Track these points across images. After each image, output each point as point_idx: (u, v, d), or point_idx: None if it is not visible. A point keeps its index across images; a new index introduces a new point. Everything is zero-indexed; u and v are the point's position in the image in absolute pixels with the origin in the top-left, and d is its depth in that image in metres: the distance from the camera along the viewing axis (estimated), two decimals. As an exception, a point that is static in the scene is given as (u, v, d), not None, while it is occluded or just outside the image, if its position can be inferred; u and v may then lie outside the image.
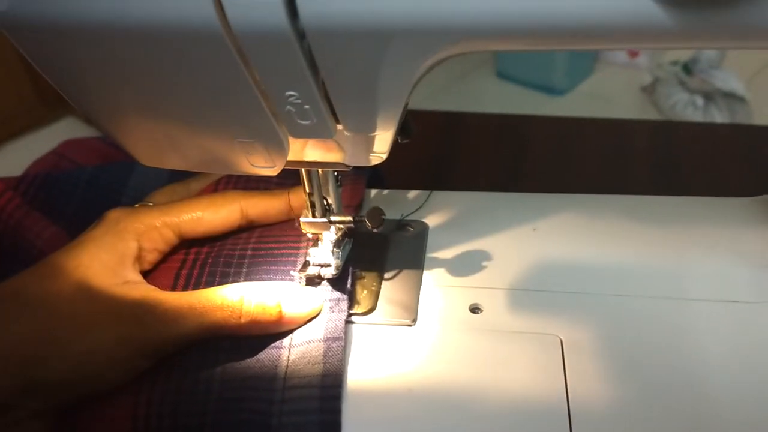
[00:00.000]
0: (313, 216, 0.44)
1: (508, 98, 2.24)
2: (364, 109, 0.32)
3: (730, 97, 1.94)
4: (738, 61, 2.08)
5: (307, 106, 0.31)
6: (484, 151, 0.73)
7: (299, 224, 0.45)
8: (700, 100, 1.98)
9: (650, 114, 2.09)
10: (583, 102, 2.19)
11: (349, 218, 0.44)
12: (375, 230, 0.43)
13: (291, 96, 0.30)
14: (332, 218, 0.44)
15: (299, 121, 0.32)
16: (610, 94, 2.22)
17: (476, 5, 0.25)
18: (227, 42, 0.27)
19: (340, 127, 0.33)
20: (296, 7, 0.25)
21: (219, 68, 0.29)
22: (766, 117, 1.92)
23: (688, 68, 2.02)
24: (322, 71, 0.29)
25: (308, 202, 0.44)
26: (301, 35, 0.27)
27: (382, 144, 0.37)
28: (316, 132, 0.33)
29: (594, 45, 0.27)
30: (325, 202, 0.44)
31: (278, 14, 0.25)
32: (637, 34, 0.26)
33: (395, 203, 0.54)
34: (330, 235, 0.45)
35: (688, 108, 1.99)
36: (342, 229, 0.46)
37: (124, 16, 0.27)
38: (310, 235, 0.47)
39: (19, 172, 0.60)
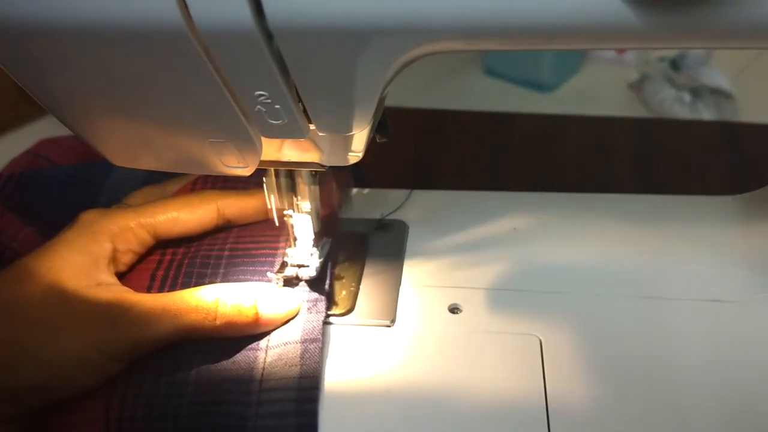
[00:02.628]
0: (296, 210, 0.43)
1: (495, 95, 2.24)
2: (336, 110, 0.31)
3: (717, 93, 1.95)
4: (725, 57, 2.08)
5: (277, 106, 0.30)
6: (467, 149, 0.73)
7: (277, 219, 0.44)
8: (687, 97, 1.99)
9: (638, 110, 2.09)
10: (570, 99, 2.19)
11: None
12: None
13: (261, 96, 0.29)
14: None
15: (270, 121, 0.31)
16: (597, 90, 2.22)
17: (445, 5, 0.24)
18: (193, 41, 0.26)
19: (313, 126, 0.33)
20: (262, 6, 0.25)
21: (186, 67, 0.28)
22: (752, 113, 1.93)
23: (675, 64, 2.02)
24: (291, 71, 0.28)
25: (293, 202, 0.43)
26: (268, 35, 0.26)
27: (357, 143, 0.37)
28: (289, 132, 0.32)
29: (565, 45, 0.27)
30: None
31: (243, 14, 0.25)
32: (609, 34, 0.25)
33: (376, 202, 0.53)
34: (308, 234, 0.45)
35: (675, 104, 2.00)
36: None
37: (90, 15, 0.26)
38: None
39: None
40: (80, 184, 0.57)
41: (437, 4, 0.25)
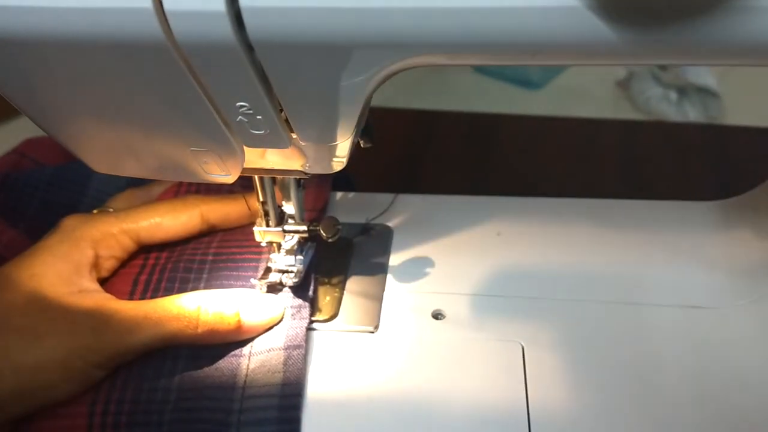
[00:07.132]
0: (267, 225, 0.44)
1: (484, 92, 2.24)
2: (318, 121, 0.31)
3: (703, 91, 1.96)
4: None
5: (259, 117, 0.30)
6: (453, 152, 0.73)
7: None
8: (673, 95, 2.00)
9: (625, 108, 2.10)
10: (558, 96, 2.19)
11: (304, 227, 0.43)
12: (330, 240, 0.42)
13: (242, 107, 0.29)
14: (286, 227, 0.43)
15: (252, 131, 0.31)
16: (585, 88, 2.22)
17: (424, 22, 0.24)
18: (173, 53, 0.26)
19: (295, 136, 0.33)
20: (242, 19, 0.25)
21: (167, 78, 0.28)
22: (737, 111, 1.94)
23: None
24: (273, 83, 0.28)
25: (262, 211, 0.43)
26: (249, 47, 0.26)
27: (341, 150, 0.37)
28: (271, 142, 0.32)
29: (547, 62, 0.27)
30: (279, 210, 0.43)
31: (224, 27, 0.25)
32: (592, 52, 0.26)
33: (361, 207, 0.53)
34: (291, 242, 0.45)
35: (662, 103, 2.00)
36: (299, 238, 0.45)
37: (69, 27, 0.26)
38: (264, 244, 0.46)
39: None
40: (64, 185, 0.57)
41: (418, 19, 0.25)
